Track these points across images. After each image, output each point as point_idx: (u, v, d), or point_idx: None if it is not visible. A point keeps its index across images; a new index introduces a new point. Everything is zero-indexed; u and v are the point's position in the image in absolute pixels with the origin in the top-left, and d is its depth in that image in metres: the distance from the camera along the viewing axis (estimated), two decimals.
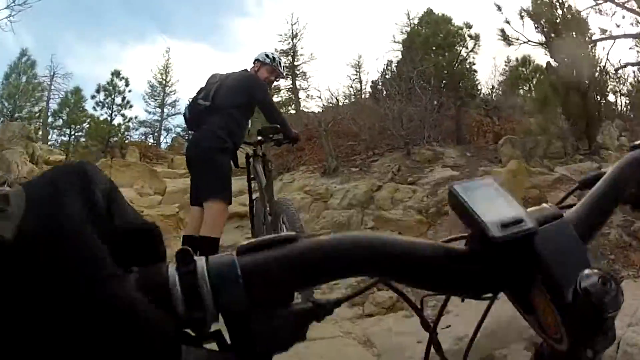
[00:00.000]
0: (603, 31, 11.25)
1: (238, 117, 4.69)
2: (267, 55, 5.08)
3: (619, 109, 15.44)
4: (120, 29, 52.11)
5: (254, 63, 5.12)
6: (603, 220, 0.62)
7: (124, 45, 57.11)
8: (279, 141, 4.83)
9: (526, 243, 0.49)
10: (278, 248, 0.43)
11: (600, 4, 10.95)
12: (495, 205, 0.51)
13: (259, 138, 4.64)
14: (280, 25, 29.17)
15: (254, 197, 4.93)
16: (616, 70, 13.31)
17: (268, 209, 4.38)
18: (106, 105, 24.06)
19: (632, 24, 11.95)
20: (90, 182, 0.39)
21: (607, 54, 11.40)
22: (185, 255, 0.40)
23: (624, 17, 11.90)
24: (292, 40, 26.98)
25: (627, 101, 16.84)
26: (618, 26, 12.13)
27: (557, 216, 0.54)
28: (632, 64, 13.59)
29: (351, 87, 18.65)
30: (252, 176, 4.79)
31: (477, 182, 0.54)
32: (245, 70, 5.05)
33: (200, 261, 0.40)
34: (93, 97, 24.48)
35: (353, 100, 16.05)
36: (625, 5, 10.65)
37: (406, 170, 9.83)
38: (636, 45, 13.77)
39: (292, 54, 26.79)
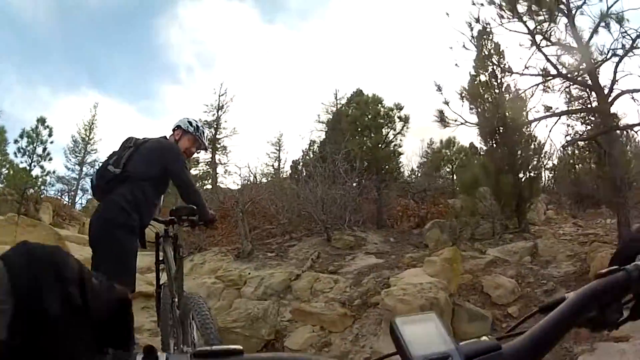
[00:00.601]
0: (547, 108, 11.44)
1: (150, 190, 4.36)
2: (190, 123, 4.75)
3: (544, 183, 16.45)
4: (55, 74, 50.82)
5: (174, 130, 4.77)
6: (548, 348, 0.71)
7: (55, 92, 55.53)
8: (193, 222, 4.40)
9: None
10: (224, 358, 0.54)
11: (549, 80, 11.21)
12: (427, 340, 0.61)
13: (171, 218, 4.28)
14: (208, 95, 29.36)
15: (162, 282, 4.53)
16: (564, 146, 14.16)
17: (177, 301, 4.00)
18: (27, 152, 22.95)
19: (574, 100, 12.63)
20: (64, 273, 0.50)
21: (550, 131, 11.73)
22: (151, 350, 0.53)
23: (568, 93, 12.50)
24: (218, 111, 27.05)
25: (551, 175, 18.42)
26: (569, 102, 12.65)
27: (493, 349, 0.64)
28: (581, 139, 14.24)
29: (271, 165, 18.81)
30: (161, 259, 4.43)
31: (419, 316, 0.64)
32: (164, 137, 4.70)
33: (162, 357, 0.52)
34: (16, 141, 23.28)
35: (271, 179, 16.01)
36: (578, 79, 11.01)
37: (326, 258, 9.68)
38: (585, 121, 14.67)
39: (215, 126, 26.79)
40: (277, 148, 20.35)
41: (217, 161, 26.13)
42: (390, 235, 11.76)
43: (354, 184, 13.47)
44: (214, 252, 10.09)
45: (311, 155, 15.87)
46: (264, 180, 15.15)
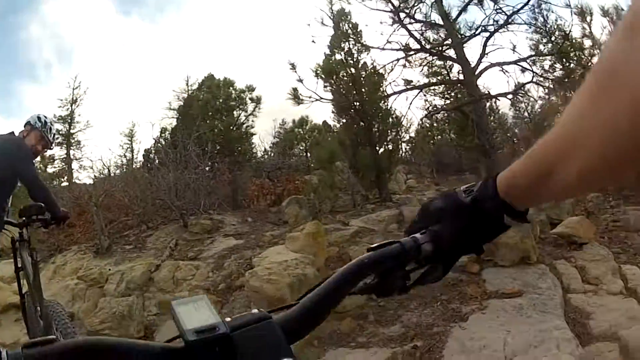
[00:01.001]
0: (408, 82, 12.24)
1: None
2: (39, 119, 4.57)
3: (401, 154, 17.05)
4: None
5: (25, 126, 4.58)
6: (320, 317, 0.81)
7: None
8: (45, 222, 4.34)
9: (225, 344, 0.66)
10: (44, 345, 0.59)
11: (412, 54, 11.85)
12: (198, 316, 0.68)
13: (23, 219, 4.16)
14: (63, 90, 27.14)
15: (24, 290, 4.35)
16: (426, 116, 15.09)
17: (39, 310, 3.88)
18: None
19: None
20: None
21: (410, 104, 12.55)
22: None
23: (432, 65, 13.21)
24: (72, 105, 25.47)
25: (408, 147, 19.49)
26: (430, 76, 13.48)
27: (261, 319, 0.71)
28: (446, 109, 15.07)
29: (124, 156, 18.23)
30: (20, 265, 4.23)
31: (191, 298, 0.72)
32: (12, 133, 4.52)
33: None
34: None
35: (125, 170, 15.52)
36: (443, 53, 11.67)
37: (185, 244, 9.61)
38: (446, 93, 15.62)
39: (69, 120, 25.25)
40: (130, 139, 19.75)
41: (72, 157, 24.77)
42: (247, 215, 11.83)
43: (207, 168, 13.45)
44: (74, 251, 9.69)
45: (163, 143, 15.54)
46: (118, 172, 14.66)
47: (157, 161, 14.45)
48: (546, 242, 7.77)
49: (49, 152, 24.25)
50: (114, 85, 43.15)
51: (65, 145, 24.63)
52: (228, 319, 0.70)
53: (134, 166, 17.12)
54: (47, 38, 42.95)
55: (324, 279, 0.86)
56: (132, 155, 18.30)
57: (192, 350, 0.65)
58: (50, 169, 23.08)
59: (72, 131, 25.20)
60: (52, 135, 4.78)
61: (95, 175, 14.30)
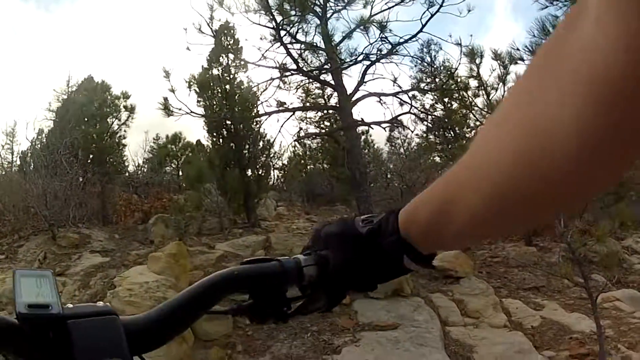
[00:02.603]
0: (281, 104, 11.95)
1: None
2: None
3: (273, 181, 17.48)
4: None
5: None
6: (174, 329, 0.81)
7: None
8: None
9: (59, 328, 0.66)
10: None
11: (287, 75, 11.63)
12: (37, 291, 0.68)
13: None
14: None
15: None
16: (296, 140, 15.07)
17: None
18: None
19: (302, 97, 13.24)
20: None
21: (281, 126, 12.45)
22: None
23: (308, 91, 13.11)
24: None
25: (281, 174, 19.86)
26: (305, 100, 13.24)
27: (105, 313, 0.71)
28: (317, 135, 15.15)
29: (5, 158, 17.52)
30: None
31: (37, 271, 0.73)
32: None
33: None
34: None
35: (2, 172, 15.15)
36: (319, 77, 11.51)
37: (53, 258, 9.77)
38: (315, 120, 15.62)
39: None
40: (11, 138, 19.09)
41: None
42: (115, 231, 12.03)
43: (79, 178, 13.47)
44: None
45: (39, 146, 15.41)
46: None
47: (32, 165, 14.26)
48: (420, 275, 7.69)
49: None
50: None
51: None
52: (70, 305, 0.70)
53: (12, 169, 16.71)
54: None
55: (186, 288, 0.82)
56: (12, 157, 17.77)
57: (24, 324, 0.64)
58: None
59: None
60: None
61: None
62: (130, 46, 42.84)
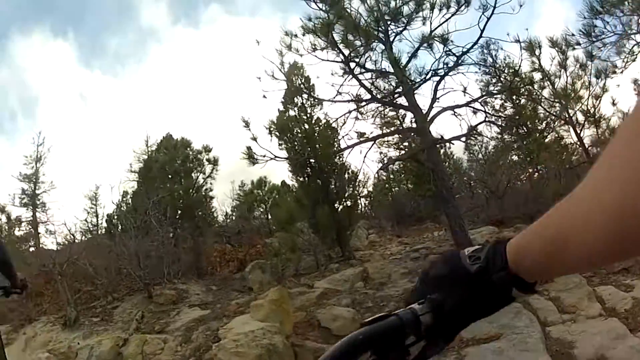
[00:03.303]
0: (361, 134, 11.95)
1: None
2: None
3: (361, 209, 17.40)
4: None
5: None
6: None
7: None
8: (6, 291, 4.07)
9: None
10: None
11: (363, 105, 11.72)
12: None
13: None
14: (27, 145, 25.75)
15: None
16: (381, 168, 15.09)
17: None
18: None
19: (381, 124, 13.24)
20: None
21: (365, 157, 12.23)
22: None
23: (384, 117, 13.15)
24: (36, 164, 24.66)
25: (367, 201, 19.86)
26: (382, 126, 13.30)
27: None
28: (400, 159, 15.22)
29: (89, 221, 18.00)
30: None
31: None
32: None
33: None
34: None
35: (90, 236, 15.42)
36: (394, 102, 11.60)
37: (151, 316, 9.66)
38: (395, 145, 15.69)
39: (34, 180, 24.51)
40: (94, 202, 19.56)
41: (38, 219, 24.08)
42: (211, 283, 11.92)
43: (170, 234, 13.48)
44: (44, 322, 9.65)
45: (124, 207, 15.52)
46: (83, 238, 14.56)
47: (119, 227, 14.36)
48: None
49: (15, 214, 23.40)
50: (75, 142, 42.18)
51: (31, 207, 24.03)
52: None
53: (98, 232, 16.95)
54: (14, 84, 41.98)
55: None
56: (97, 220, 18.14)
57: None
58: (17, 232, 22.40)
59: (37, 191, 24.60)
60: None
61: (58, 242, 14.13)
62: (203, 100, 43.94)
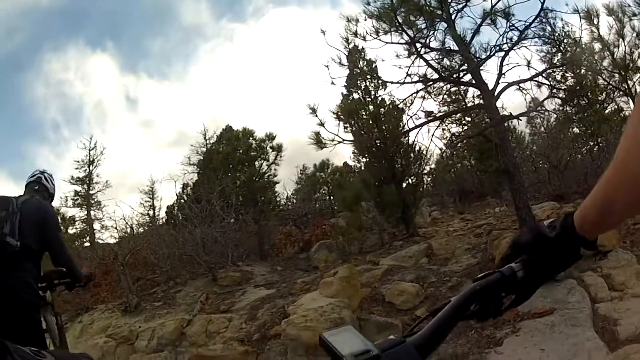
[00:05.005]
0: (429, 114, 11.79)
1: (39, 261, 3.99)
2: (53, 184, 4.50)
3: (424, 188, 16.82)
4: None
5: (38, 187, 4.35)
6: (442, 338, 0.93)
7: None
8: (70, 285, 4.26)
9: None
10: None
11: (431, 84, 11.63)
12: (351, 343, 0.79)
13: (44, 284, 4.07)
14: (76, 151, 27.09)
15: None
16: (448, 147, 15.29)
17: None
18: None
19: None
20: None
21: (432, 135, 12.55)
22: None
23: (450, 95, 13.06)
24: (89, 166, 25.82)
25: (430, 178, 19.24)
26: (449, 104, 13.17)
27: (400, 343, 0.85)
28: (469, 136, 14.74)
29: (147, 214, 18.32)
30: (45, 328, 4.03)
31: (339, 329, 0.84)
32: (39, 199, 4.21)
33: None
34: None
35: (148, 227, 15.58)
36: (461, 79, 11.45)
37: (216, 298, 9.55)
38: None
39: (87, 182, 25.58)
40: (151, 196, 19.87)
41: (92, 217, 24.96)
42: (276, 264, 11.82)
43: (232, 220, 13.42)
44: (101, 310, 9.66)
45: (185, 199, 15.59)
46: (141, 230, 14.68)
47: (180, 217, 14.41)
48: None
49: (69, 213, 24.46)
50: (127, 143, 43.44)
51: (85, 207, 24.86)
52: (374, 343, 0.83)
53: (157, 223, 17.14)
54: (52, 97, 43.58)
55: (436, 307, 0.98)
56: (154, 212, 18.38)
57: None
58: (71, 230, 23.20)
59: (91, 192, 25.43)
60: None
61: (119, 235, 14.34)
62: (261, 91, 44.24)
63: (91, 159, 25.68)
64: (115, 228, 16.08)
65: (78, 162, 25.90)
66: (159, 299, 9.87)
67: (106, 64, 45.06)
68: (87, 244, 21.41)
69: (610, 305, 6.51)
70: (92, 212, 24.91)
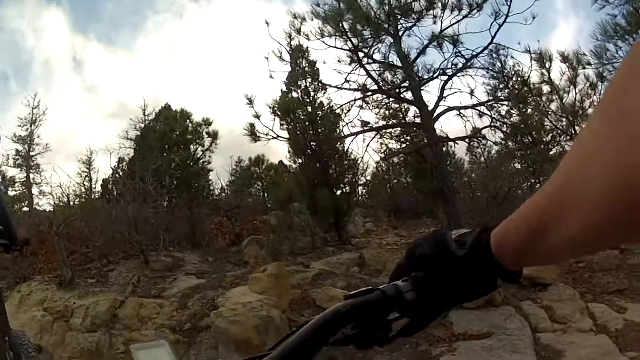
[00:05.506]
0: (365, 123, 12.07)
1: None
2: None
3: (359, 197, 17.63)
4: None
5: None
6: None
7: None
8: (6, 247, 4.29)
9: None
10: None
11: (369, 95, 11.80)
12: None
13: None
14: (21, 108, 25.69)
15: None
16: (383, 158, 15.50)
17: (7, 340, 3.86)
18: None
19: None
20: None
21: (367, 146, 12.44)
22: None
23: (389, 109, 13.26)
24: (31, 126, 24.61)
25: (364, 190, 19.87)
26: (387, 118, 13.36)
27: None
28: (404, 152, 15.23)
29: (83, 185, 17.87)
30: None
31: (152, 343, 0.81)
32: None
33: None
34: None
35: (84, 199, 15.28)
36: (402, 95, 11.66)
37: (147, 281, 9.58)
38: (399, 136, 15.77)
39: (28, 142, 24.42)
40: (88, 166, 19.37)
41: (31, 180, 23.93)
42: (207, 254, 11.84)
43: (165, 203, 13.38)
44: (39, 281, 9.54)
45: (121, 174, 15.37)
46: (77, 201, 14.38)
47: (115, 192, 14.20)
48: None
49: (9, 174, 23.42)
50: (69, 106, 41.80)
51: (25, 168, 23.93)
52: None
53: (92, 196, 16.83)
54: (4, 45, 41.36)
55: (297, 327, 0.84)
56: (91, 184, 18.01)
57: None
58: (10, 192, 22.31)
59: (31, 153, 24.46)
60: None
61: (55, 203, 14.04)
62: (204, 73, 43.53)
63: (33, 118, 24.72)
64: (52, 195, 15.76)
65: (21, 119, 24.93)
66: (93, 276, 9.79)
67: (59, 20, 43.27)
68: (25, 208, 20.71)
69: (552, 336, 6.69)
70: (31, 175, 23.99)
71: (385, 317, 0.87)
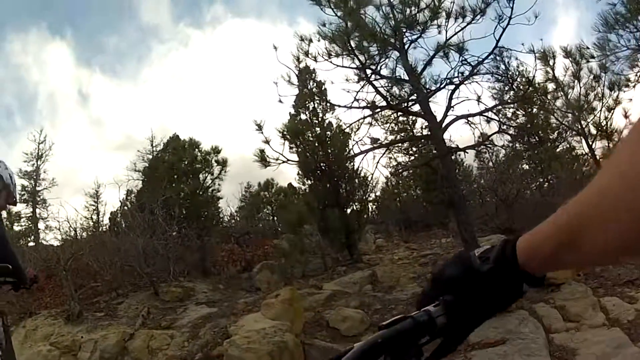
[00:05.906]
0: (374, 140, 11.81)
1: None
2: (10, 176, 4.22)
3: (369, 214, 17.17)
4: None
5: None
6: None
7: None
8: (15, 285, 4.07)
9: None
10: None
11: (378, 112, 11.70)
12: None
13: None
14: (27, 143, 25.74)
15: None
16: (393, 175, 15.36)
17: None
18: None
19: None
20: None
21: (377, 162, 12.11)
22: None
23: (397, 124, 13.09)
24: (37, 161, 24.73)
25: (375, 206, 19.71)
26: (396, 133, 13.24)
27: None
28: (415, 166, 15.08)
29: (90, 219, 17.84)
30: None
31: None
32: None
33: None
34: None
35: (91, 233, 15.19)
36: (409, 109, 11.54)
37: (157, 313, 9.47)
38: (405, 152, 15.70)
39: (34, 177, 24.47)
40: (95, 200, 19.38)
41: (37, 215, 23.92)
42: (218, 282, 11.77)
43: (175, 233, 13.18)
44: (45, 316, 9.40)
45: (129, 206, 15.29)
46: (85, 234, 14.29)
47: (124, 225, 14.17)
48: None
49: (14, 209, 23.47)
50: (76, 140, 42.09)
51: (31, 203, 23.93)
52: None
53: (100, 229, 16.75)
54: (10, 81, 41.63)
55: (338, 355, 0.84)
56: (98, 218, 17.99)
57: None
58: (16, 227, 22.27)
59: (37, 188, 24.48)
60: (16, 190, 4.44)
61: (62, 238, 13.98)
62: (210, 102, 43.71)
63: (40, 154, 24.78)
64: (59, 230, 15.67)
65: (27, 154, 24.98)
66: (101, 310, 9.70)
67: (63, 53, 43.81)
68: (31, 243, 20.65)
69: (566, 335, 6.68)
70: (37, 210, 23.98)
71: (417, 342, 0.88)
